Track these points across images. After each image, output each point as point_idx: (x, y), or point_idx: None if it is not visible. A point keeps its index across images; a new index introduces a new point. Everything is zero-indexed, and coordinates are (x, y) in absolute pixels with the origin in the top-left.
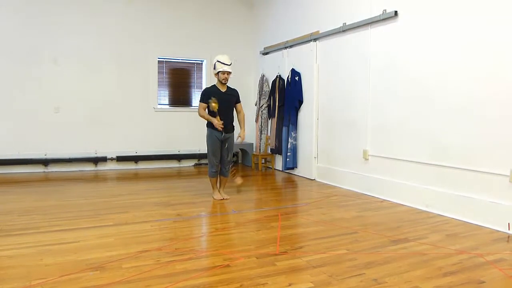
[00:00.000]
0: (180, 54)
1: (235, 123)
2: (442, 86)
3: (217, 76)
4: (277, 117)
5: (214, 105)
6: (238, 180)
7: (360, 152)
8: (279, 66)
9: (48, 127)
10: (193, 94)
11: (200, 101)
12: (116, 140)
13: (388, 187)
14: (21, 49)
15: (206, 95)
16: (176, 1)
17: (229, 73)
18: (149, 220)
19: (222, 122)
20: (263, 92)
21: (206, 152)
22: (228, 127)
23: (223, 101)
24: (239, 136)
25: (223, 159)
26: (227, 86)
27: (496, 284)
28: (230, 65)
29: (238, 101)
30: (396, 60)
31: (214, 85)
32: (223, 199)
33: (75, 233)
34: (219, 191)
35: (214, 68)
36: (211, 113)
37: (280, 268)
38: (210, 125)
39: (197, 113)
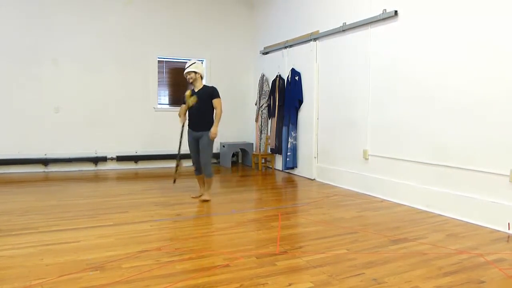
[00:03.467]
0: (180, 54)
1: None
2: (442, 86)
3: None
4: (277, 117)
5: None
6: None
7: (360, 152)
8: (279, 66)
9: (48, 127)
10: None
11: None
12: (116, 140)
13: (388, 187)
14: (21, 49)
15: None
16: (176, 1)
17: (188, 73)
18: (149, 220)
19: (182, 119)
20: (263, 92)
21: None
22: (200, 126)
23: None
24: (210, 132)
25: (199, 159)
26: (203, 85)
27: (496, 284)
28: (190, 66)
29: (214, 97)
30: (396, 60)
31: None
32: (198, 197)
33: (75, 233)
34: (202, 191)
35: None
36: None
37: (280, 268)
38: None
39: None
